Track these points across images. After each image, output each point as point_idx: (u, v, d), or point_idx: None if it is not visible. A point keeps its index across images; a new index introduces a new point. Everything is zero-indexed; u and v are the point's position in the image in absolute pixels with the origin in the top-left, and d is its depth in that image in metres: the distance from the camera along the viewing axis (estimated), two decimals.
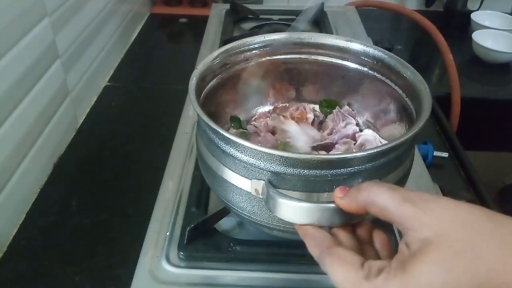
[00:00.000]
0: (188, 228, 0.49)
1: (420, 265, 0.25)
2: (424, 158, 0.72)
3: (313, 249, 0.32)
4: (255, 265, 0.49)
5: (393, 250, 0.32)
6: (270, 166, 0.38)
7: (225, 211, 0.51)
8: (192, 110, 0.73)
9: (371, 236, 0.33)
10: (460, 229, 0.25)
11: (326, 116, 0.58)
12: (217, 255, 0.49)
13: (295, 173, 0.38)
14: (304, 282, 0.48)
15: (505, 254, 0.24)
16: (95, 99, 0.89)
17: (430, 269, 0.25)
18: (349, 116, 0.55)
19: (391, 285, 0.26)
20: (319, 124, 0.57)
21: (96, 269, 0.56)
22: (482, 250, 0.24)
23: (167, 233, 0.52)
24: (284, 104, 0.59)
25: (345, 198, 0.31)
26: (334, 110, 0.56)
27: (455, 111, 0.97)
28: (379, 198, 0.29)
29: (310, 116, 0.56)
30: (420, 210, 0.27)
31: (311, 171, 0.37)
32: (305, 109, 0.56)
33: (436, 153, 0.75)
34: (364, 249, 0.33)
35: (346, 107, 0.57)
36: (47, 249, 0.58)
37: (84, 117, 0.83)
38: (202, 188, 0.57)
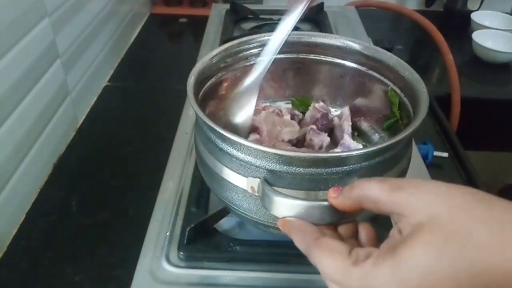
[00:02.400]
0: (188, 228, 0.49)
1: (411, 248, 0.25)
2: (424, 158, 0.72)
3: (300, 243, 0.32)
4: (255, 265, 0.49)
5: (377, 243, 0.32)
6: (266, 164, 0.38)
7: (225, 211, 0.51)
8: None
9: (356, 231, 0.33)
10: (452, 211, 0.25)
11: (304, 115, 0.58)
12: (217, 255, 0.49)
13: (291, 171, 0.38)
14: (304, 282, 0.48)
15: (495, 235, 0.24)
16: (95, 99, 0.89)
17: (421, 250, 0.24)
18: (323, 111, 0.55)
19: (381, 268, 0.25)
20: (299, 123, 0.57)
21: (96, 269, 0.56)
22: (474, 231, 0.24)
23: (167, 233, 0.52)
24: (261, 106, 0.58)
25: (339, 198, 0.31)
26: (309, 107, 0.56)
27: (455, 111, 0.97)
28: (370, 191, 0.29)
29: (287, 117, 0.56)
30: (411, 196, 0.27)
31: (306, 169, 0.37)
32: (281, 111, 0.56)
33: (436, 153, 0.75)
34: (348, 243, 0.32)
35: (321, 103, 0.57)
36: (47, 249, 0.58)
37: (84, 117, 0.83)
38: (202, 188, 0.57)
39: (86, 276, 0.55)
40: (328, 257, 0.29)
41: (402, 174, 0.44)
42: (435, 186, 0.27)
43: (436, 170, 0.74)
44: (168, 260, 0.49)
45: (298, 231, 0.32)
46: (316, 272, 0.32)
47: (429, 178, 0.62)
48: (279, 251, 0.50)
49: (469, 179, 0.74)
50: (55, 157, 0.73)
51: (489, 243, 0.23)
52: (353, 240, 0.33)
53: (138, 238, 0.52)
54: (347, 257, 0.28)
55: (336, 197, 0.32)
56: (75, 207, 0.65)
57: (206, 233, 0.51)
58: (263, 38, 0.54)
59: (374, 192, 0.28)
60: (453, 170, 0.76)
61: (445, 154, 0.77)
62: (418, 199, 0.26)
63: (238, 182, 0.41)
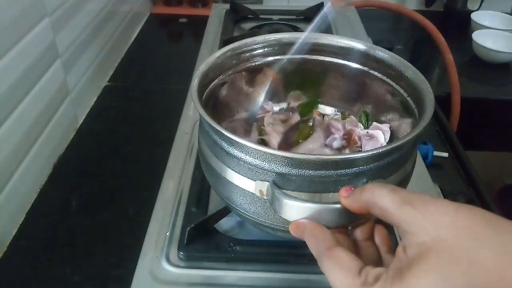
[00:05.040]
0: (188, 228, 0.49)
1: (417, 273, 0.25)
2: (424, 158, 0.72)
3: (313, 249, 0.32)
4: (255, 265, 0.49)
5: (393, 245, 0.32)
6: (275, 167, 0.38)
7: (225, 211, 0.51)
8: (192, 110, 0.73)
9: (372, 232, 0.34)
10: (458, 234, 0.25)
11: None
12: (217, 255, 0.49)
13: (300, 173, 0.38)
14: (304, 282, 0.48)
15: (503, 262, 0.23)
16: (95, 99, 0.89)
17: (427, 277, 0.24)
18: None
19: None
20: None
21: (96, 269, 0.56)
22: (480, 257, 0.24)
23: (167, 233, 0.52)
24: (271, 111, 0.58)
25: (349, 198, 0.31)
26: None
27: (455, 111, 0.97)
28: (380, 200, 0.29)
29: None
30: (419, 214, 0.26)
31: (316, 171, 0.37)
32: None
33: (436, 153, 0.75)
34: (362, 246, 0.33)
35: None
36: (47, 249, 0.58)
37: (84, 117, 0.83)
38: (202, 188, 0.57)
39: (86, 276, 0.55)
40: (338, 272, 0.29)
41: (409, 174, 0.44)
42: (443, 206, 0.26)
43: (436, 170, 0.74)
44: (168, 260, 0.49)
45: (311, 235, 0.32)
46: (315, 272, 0.32)
47: (429, 178, 0.62)
48: (279, 251, 0.50)
49: (469, 179, 0.74)
50: (55, 157, 0.73)
51: (496, 271, 0.23)
52: (370, 242, 0.33)
53: (138, 238, 0.52)
54: (356, 276, 0.28)
55: (346, 197, 0.32)
56: (75, 207, 0.64)
57: (206, 233, 0.51)
58: (265, 39, 0.54)
59: (384, 201, 0.28)
60: (453, 170, 0.76)
61: (445, 154, 0.77)
62: (425, 218, 0.26)
63: (246, 185, 0.40)
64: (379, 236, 0.33)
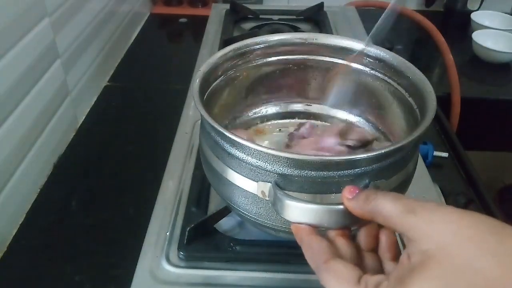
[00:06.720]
0: (188, 228, 0.49)
1: (418, 281, 0.24)
2: (424, 158, 0.72)
3: (309, 260, 0.31)
4: (255, 265, 0.49)
5: (398, 251, 0.32)
6: (277, 168, 0.38)
7: (225, 211, 0.51)
8: (192, 110, 0.73)
9: (375, 241, 0.33)
10: (462, 243, 0.24)
11: None
12: (217, 255, 0.49)
13: (302, 174, 0.37)
14: (304, 282, 0.48)
15: (506, 271, 0.23)
16: (95, 99, 0.89)
17: (429, 285, 0.24)
18: None
19: None
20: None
21: (96, 269, 0.56)
22: (483, 267, 0.23)
23: (167, 233, 0.52)
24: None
25: (352, 202, 0.31)
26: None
27: (455, 111, 0.97)
28: (384, 208, 0.28)
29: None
30: (422, 221, 0.26)
31: (318, 172, 0.37)
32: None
33: (436, 153, 0.75)
34: (363, 255, 0.32)
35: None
36: (47, 249, 0.58)
37: (84, 117, 0.83)
38: (202, 188, 0.57)
39: (86, 276, 0.55)
40: (336, 284, 0.28)
41: (410, 175, 0.44)
42: (447, 213, 0.26)
43: (436, 170, 0.74)
44: (168, 260, 0.49)
45: (308, 247, 0.32)
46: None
47: (429, 178, 0.62)
48: (279, 251, 0.50)
49: (469, 179, 0.74)
50: (55, 157, 0.73)
51: (497, 278, 0.23)
52: (373, 254, 0.32)
53: (138, 238, 0.52)
54: (355, 286, 0.27)
55: (350, 200, 0.31)
56: (75, 207, 0.64)
57: (206, 233, 0.51)
58: (266, 39, 0.54)
59: (387, 210, 0.28)
60: (453, 170, 0.76)
61: (445, 154, 0.77)
62: (429, 226, 0.26)
63: (248, 186, 0.40)
64: (387, 241, 0.32)
